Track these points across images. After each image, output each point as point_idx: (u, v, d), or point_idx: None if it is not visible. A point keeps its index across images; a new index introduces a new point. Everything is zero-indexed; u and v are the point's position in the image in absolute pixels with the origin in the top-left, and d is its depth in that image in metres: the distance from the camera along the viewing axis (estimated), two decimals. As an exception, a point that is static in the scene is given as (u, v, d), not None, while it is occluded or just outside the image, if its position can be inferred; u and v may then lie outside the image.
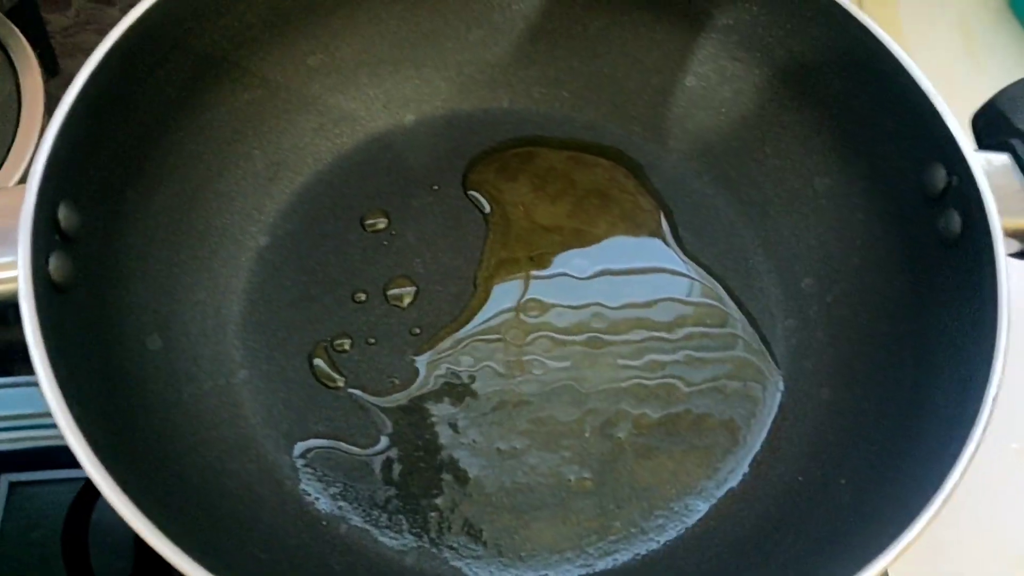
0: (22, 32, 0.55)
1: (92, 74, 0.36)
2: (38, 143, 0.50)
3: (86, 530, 0.42)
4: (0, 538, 0.41)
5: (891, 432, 0.38)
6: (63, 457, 0.43)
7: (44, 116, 0.52)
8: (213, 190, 0.44)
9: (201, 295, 0.42)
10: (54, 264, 0.34)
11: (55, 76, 0.55)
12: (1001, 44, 0.63)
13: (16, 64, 0.54)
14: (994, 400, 0.33)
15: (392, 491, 0.39)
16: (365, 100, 0.48)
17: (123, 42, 0.38)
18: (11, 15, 0.55)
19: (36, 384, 0.31)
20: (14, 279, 0.32)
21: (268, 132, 0.46)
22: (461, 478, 0.40)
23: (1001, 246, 0.36)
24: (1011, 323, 0.34)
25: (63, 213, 0.35)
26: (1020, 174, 0.39)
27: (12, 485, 0.43)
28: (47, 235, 0.34)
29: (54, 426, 0.43)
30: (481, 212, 0.47)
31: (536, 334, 0.44)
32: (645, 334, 0.44)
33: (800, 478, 0.39)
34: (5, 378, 0.45)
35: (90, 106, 0.36)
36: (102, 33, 0.55)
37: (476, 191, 0.47)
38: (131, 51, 0.38)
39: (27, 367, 0.44)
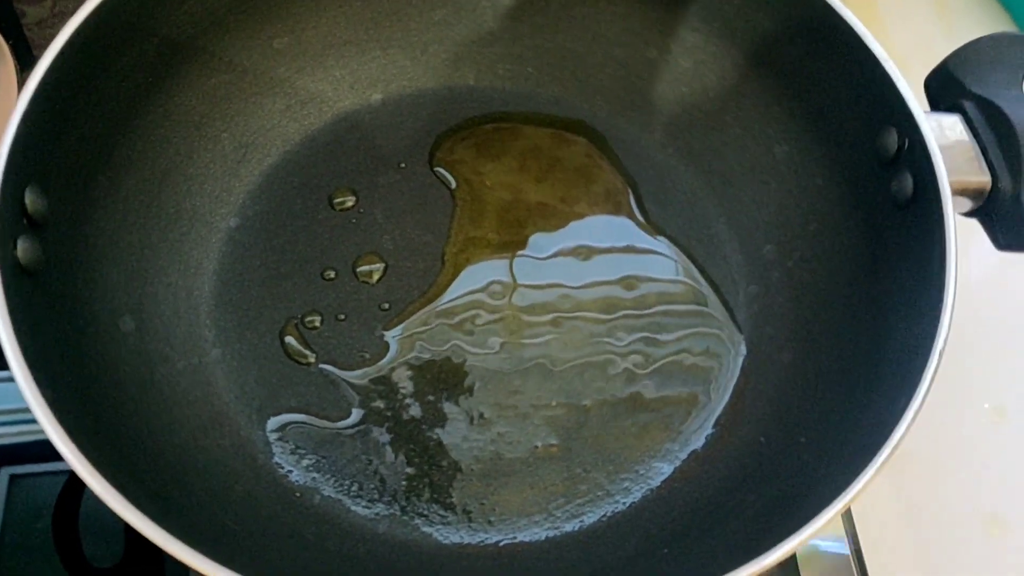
0: (-5, 26, 0.55)
1: (56, 58, 0.37)
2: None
3: (76, 517, 0.43)
4: (3, 529, 0.42)
5: (849, 390, 0.39)
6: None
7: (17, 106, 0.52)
8: (182, 173, 0.44)
9: (172, 277, 0.43)
10: (22, 247, 0.34)
11: (30, 67, 0.55)
12: (976, 19, 0.63)
13: (-12, 56, 0.54)
14: (941, 353, 0.34)
15: (363, 462, 0.40)
16: (332, 81, 0.49)
17: (87, 26, 0.38)
18: (-17, 8, 0.56)
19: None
20: (-18, 263, 0.33)
21: (236, 115, 0.46)
22: (430, 448, 0.41)
23: (950, 205, 0.36)
24: (958, 280, 0.35)
25: (30, 198, 0.36)
26: (970, 135, 0.39)
27: (13, 477, 0.43)
28: (14, 219, 0.34)
29: None
30: (448, 188, 0.47)
31: (505, 307, 0.44)
32: (611, 306, 0.45)
33: (762, 439, 0.40)
34: (4, 371, 0.46)
35: (55, 90, 0.37)
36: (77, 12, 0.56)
37: (443, 168, 0.48)
38: (96, 35, 0.39)
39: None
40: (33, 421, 0.44)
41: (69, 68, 0.38)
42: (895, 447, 0.33)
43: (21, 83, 0.53)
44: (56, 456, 0.42)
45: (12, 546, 0.42)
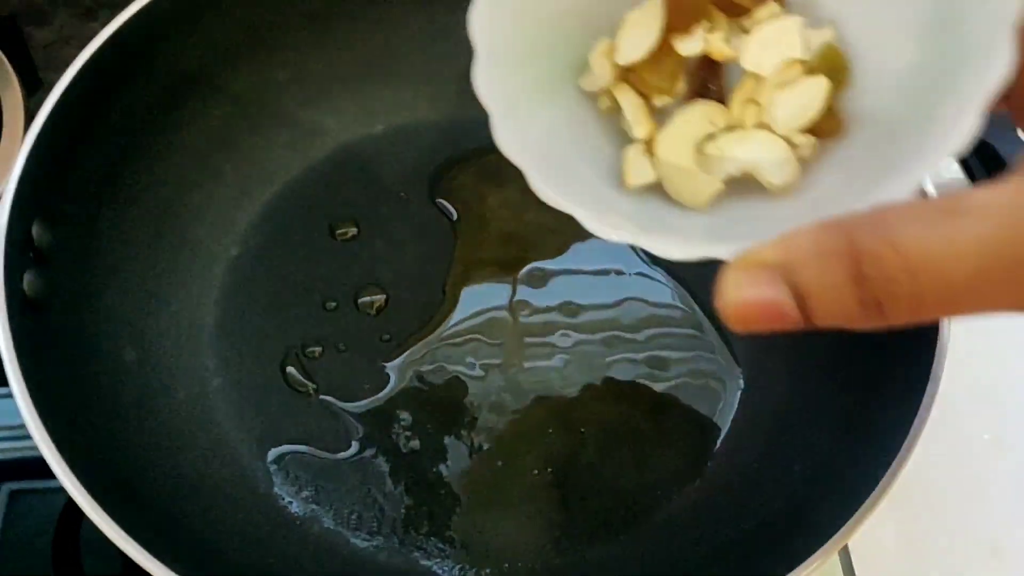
0: (2, 48, 0.56)
1: (63, 94, 0.38)
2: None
3: (77, 535, 0.43)
4: (2, 545, 0.42)
5: (847, 421, 0.39)
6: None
7: (24, 131, 0.53)
8: (186, 204, 0.45)
9: (175, 307, 0.43)
10: (28, 281, 0.35)
11: (37, 91, 0.56)
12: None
13: (-4, 81, 0.55)
14: (935, 394, 0.34)
15: (362, 493, 0.40)
16: (334, 113, 0.49)
17: (93, 62, 0.39)
18: (-8, 31, 0.56)
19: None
20: (-12, 296, 0.33)
21: (239, 146, 0.47)
22: (429, 479, 0.41)
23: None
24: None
25: (37, 231, 0.36)
26: (965, 175, 0.40)
27: (13, 493, 0.43)
28: (21, 253, 0.35)
29: None
30: (449, 219, 0.48)
31: (503, 338, 0.45)
32: (610, 335, 0.45)
33: (757, 466, 0.41)
34: (3, 388, 0.46)
35: (62, 125, 0.38)
36: (85, 48, 0.57)
37: (443, 199, 0.48)
38: (102, 70, 0.40)
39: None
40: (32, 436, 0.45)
41: (77, 103, 0.38)
42: (889, 481, 0.33)
43: (27, 106, 0.54)
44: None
45: (11, 563, 0.42)
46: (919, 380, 0.35)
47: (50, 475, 0.43)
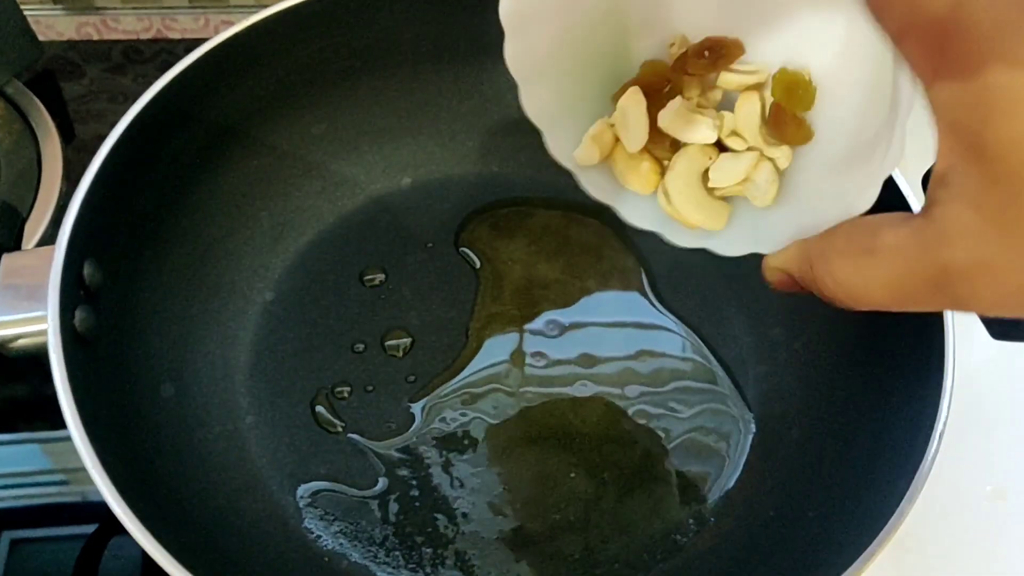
0: (41, 101, 0.58)
1: (115, 144, 0.40)
2: (57, 205, 0.54)
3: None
4: None
5: (853, 468, 0.40)
6: (64, 514, 0.45)
7: (63, 180, 0.55)
8: (223, 249, 0.47)
9: (211, 346, 0.45)
10: (79, 317, 0.37)
11: (71, 142, 0.58)
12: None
13: (37, 132, 0.57)
14: (940, 435, 0.36)
15: (390, 529, 0.42)
16: (365, 165, 0.52)
17: (142, 115, 0.41)
18: (30, 85, 0.59)
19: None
20: (43, 332, 0.35)
21: (275, 195, 0.49)
22: (454, 517, 0.42)
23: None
24: (958, 365, 0.37)
25: (88, 270, 0.38)
26: None
27: (13, 542, 0.44)
28: (74, 291, 0.37)
29: (55, 483, 0.46)
30: (472, 268, 0.50)
31: (525, 383, 0.46)
32: (627, 381, 0.47)
33: (771, 512, 0.42)
34: (5, 435, 0.47)
35: (112, 172, 0.40)
36: (114, 101, 0.60)
37: (468, 248, 0.51)
38: (149, 122, 0.42)
39: (28, 424, 0.47)
40: (36, 484, 0.46)
41: (126, 152, 0.40)
42: (891, 528, 0.34)
43: (65, 155, 0.56)
44: (58, 522, 0.44)
45: None
46: (923, 430, 0.37)
47: (52, 523, 0.45)
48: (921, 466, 0.35)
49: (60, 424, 0.45)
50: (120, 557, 0.44)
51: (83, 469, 0.33)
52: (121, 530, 0.43)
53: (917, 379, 0.39)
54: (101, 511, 0.44)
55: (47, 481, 0.46)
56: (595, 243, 0.51)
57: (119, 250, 0.41)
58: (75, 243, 0.37)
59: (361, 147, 0.52)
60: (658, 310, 0.49)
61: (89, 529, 0.44)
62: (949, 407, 0.36)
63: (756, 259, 0.49)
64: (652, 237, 0.51)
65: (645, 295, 0.50)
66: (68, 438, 0.45)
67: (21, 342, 0.36)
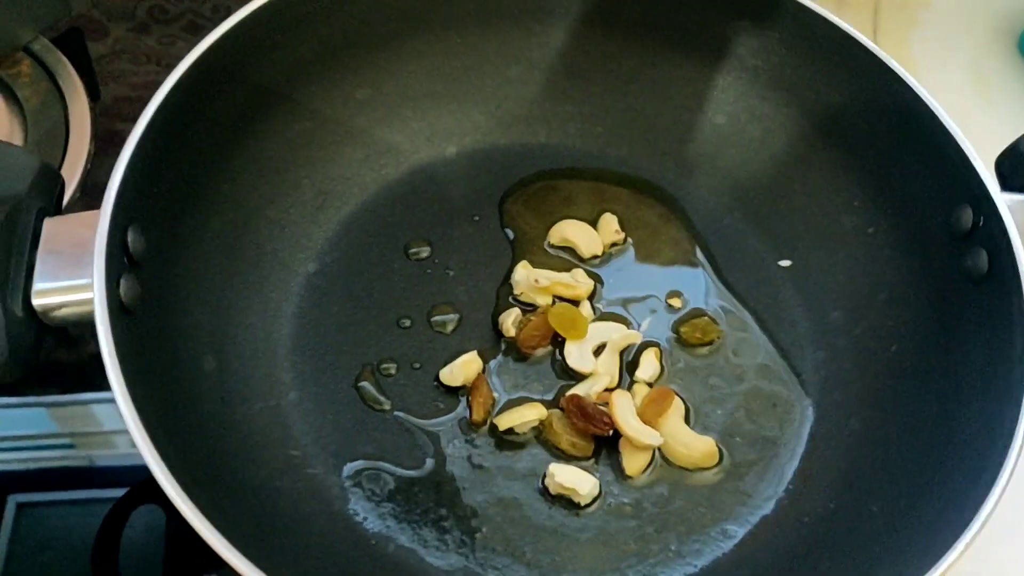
0: (69, 59, 0.56)
1: (160, 106, 0.38)
2: (85, 167, 0.52)
3: (116, 551, 0.43)
4: (8, 559, 0.42)
5: (922, 463, 0.39)
6: (71, 478, 0.45)
7: (91, 141, 0.54)
8: (265, 217, 0.45)
9: (253, 318, 0.44)
10: (124, 286, 0.35)
11: (97, 100, 0.56)
12: (1011, 85, 0.65)
13: (64, 91, 0.55)
14: (1024, 435, 0.34)
15: (438, 512, 0.40)
16: (409, 133, 0.50)
17: (187, 76, 0.39)
18: (58, 43, 0.57)
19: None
20: (89, 301, 0.33)
21: (316, 162, 0.48)
22: (504, 500, 0.41)
23: (1028, 284, 0.37)
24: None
25: (131, 237, 0.36)
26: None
27: (20, 506, 0.43)
28: (118, 258, 0.35)
29: (62, 447, 0.45)
30: (520, 242, 0.48)
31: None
32: (682, 361, 0.45)
33: (832, 505, 0.41)
34: (13, 398, 0.46)
35: (156, 136, 0.38)
36: (137, 62, 0.58)
37: (511, 220, 0.49)
38: (194, 84, 0.40)
39: (33, 388, 0.46)
40: (43, 448, 0.45)
41: (170, 115, 0.39)
42: (979, 530, 0.33)
43: (92, 114, 0.54)
44: (67, 485, 0.44)
45: None
46: (1003, 427, 0.35)
47: (59, 487, 0.44)
48: (1002, 468, 0.34)
49: (68, 388, 0.46)
50: (144, 526, 0.43)
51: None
52: (149, 498, 0.44)
53: (993, 372, 0.38)
54: (109, 475, 0.45)
55: (53, 444, 0.46)
56: (648, 218, 0.50)
57: (161, 217, 0.39)
58: (120, 208, 0.35)
59: (405, 113, 0.50)
60: (715, 287, 0.47)
61: (95, 494, 0.44)
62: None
63: (813, 237, 0.48)
64: (705, 214, 0.50)
65: (703, 271, 0.48)
66: (75, 403, 0.45)
67: (64, 311, 0.34)
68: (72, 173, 0.53)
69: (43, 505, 0.43)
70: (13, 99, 0.55)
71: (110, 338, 0.33)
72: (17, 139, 0.53)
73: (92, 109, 0.55)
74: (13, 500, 0.43)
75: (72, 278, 0.34)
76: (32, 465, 0.44)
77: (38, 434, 0.46)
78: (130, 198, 0.36)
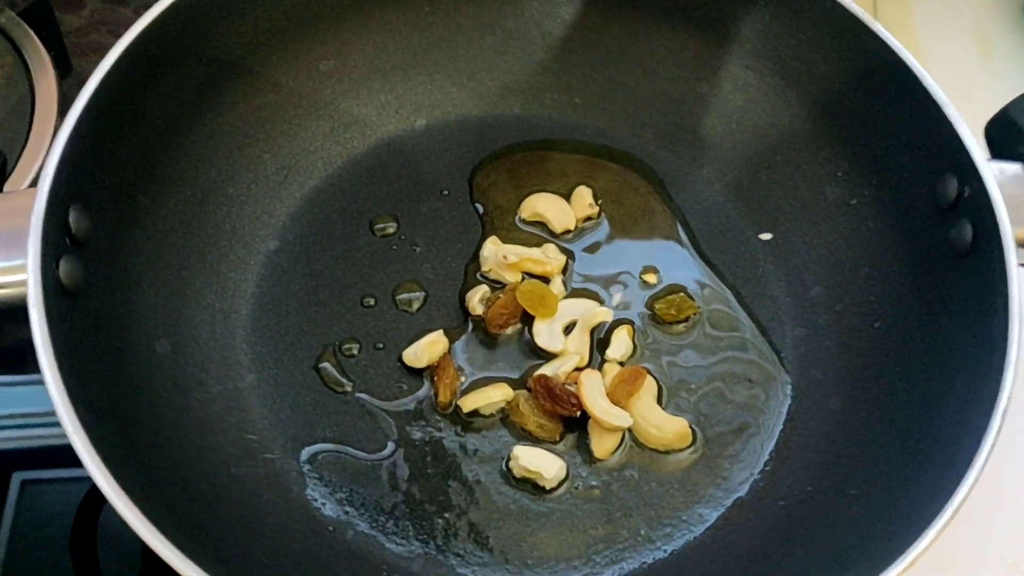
0: (36, 33, 0.55)
1: (104, 77, 0.37)
2: (51, 144, 0.51)
3: (95, 531, 0.42)
4: (12, 536, 0.41)
5: (902, 442, 0.38)
6: (74, 456, 0.44)
7: (57, 117, 0.52)
8: (223, 194, 0.44)
9: (210, 299, 0.42)
10: (64, 268, 0.34)
11: (68, 76, 0.55)
12: (1015, 51, 0.63)
13: (30, 65, 0.54)
14: (1004, 412, 0.33)
15: (399, 497, 0.39)
16: (376, 105, 0.48)
17: (136, 46, 0.38)
18: (25, 16, 0.56)
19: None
20: (23, 283, 0.32)
21: (279, 136, 0.46)
22: (467, 485, 0.40)
23: (1014, 256, 0.36)
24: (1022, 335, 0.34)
25: (73, 217, 0.35)
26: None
27: (24, 483, 0.43)
28: (57, 239, 0.34)
29: None
30: (489, 218, 0.47)
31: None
32: (657, 339, 0.44)
33: (809, 488, 0.39)
34: (17, 376, 0.46)
35: (102, 109, 0.37)
36: (115, 34, 0.56)
37: (481, 195, 0.47)
38: (144, 55, 0.39)
39: (39, 366, 0.45)
40: (46, 425, 0.45)
41: (117, 86, 0.37)
42: (956, 509, 0.31)
43: (60, 90, 0.53)
44: (70, 463, 0.42)
45: (23, 552, 0.41)
46: (984, 402, 0.34)
47: (62, 464, 0.43)
48: (982, 445, 0.32)
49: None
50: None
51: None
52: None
53: (976, 347, 0.36)
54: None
55: (56, 422, 0.44)
56: (625, 191, 0.48)
57: (109, 195, 0.38)
58: (59, 186, 0.34)
59: (372, 86, 0.48)
60: (693, 261, 0.46)
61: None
62: (1013, 382, 0.33)
63: (795, 209, 0.47)
64: (686, 186, 0.48)
65: (680, 245, 0.46)
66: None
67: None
68: (37, 150, 0.51)
69: (46, 482, 0.43)
70: (-25, 74, 0.54)
71: (43, 321, 0.32)
72: (-22, 115, 0.52)
73: (60, 84, 0.54)
74: (17, 477, 0.43)
75: (6, 259, 0.33)
76: (35, 443, 0.44)
77: (42, 411, 0.45)
78: (73, 175, 0.35)
